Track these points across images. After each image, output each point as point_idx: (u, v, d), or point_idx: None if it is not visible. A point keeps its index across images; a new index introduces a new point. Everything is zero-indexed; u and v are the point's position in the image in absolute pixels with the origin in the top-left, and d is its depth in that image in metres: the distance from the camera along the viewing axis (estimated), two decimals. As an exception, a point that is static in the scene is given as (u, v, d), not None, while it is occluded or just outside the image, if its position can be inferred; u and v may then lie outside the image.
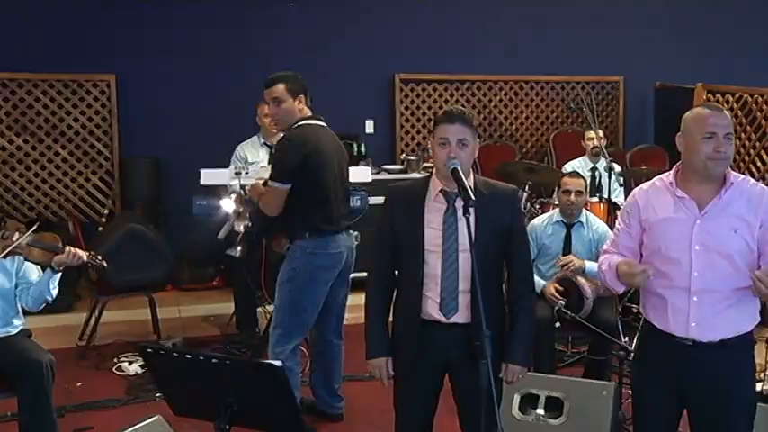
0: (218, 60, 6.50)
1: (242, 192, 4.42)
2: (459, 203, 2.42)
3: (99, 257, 3.46)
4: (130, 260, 4.81)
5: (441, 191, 2.55)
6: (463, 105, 7.19)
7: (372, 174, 5.04)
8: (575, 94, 7.38)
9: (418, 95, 7.10)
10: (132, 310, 5.29)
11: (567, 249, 4.25)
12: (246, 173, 4.39)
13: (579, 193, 4.26)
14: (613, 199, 5.36)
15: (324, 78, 6.36)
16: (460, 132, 2.48)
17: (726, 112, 2.45)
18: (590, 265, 4.07)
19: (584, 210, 4.36)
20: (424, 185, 2.60)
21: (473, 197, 2.34)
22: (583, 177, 4.44)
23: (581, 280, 4.00)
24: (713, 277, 2.37)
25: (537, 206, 5.44)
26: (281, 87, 3.36)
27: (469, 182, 2.51)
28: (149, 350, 2.18)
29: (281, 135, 3.49)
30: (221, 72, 6.46)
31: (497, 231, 2.53)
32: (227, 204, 3.16)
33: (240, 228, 3.26)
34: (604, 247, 2.70)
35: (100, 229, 6.01)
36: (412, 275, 2.54)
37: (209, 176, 4.53)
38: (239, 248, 3.29)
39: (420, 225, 2.53)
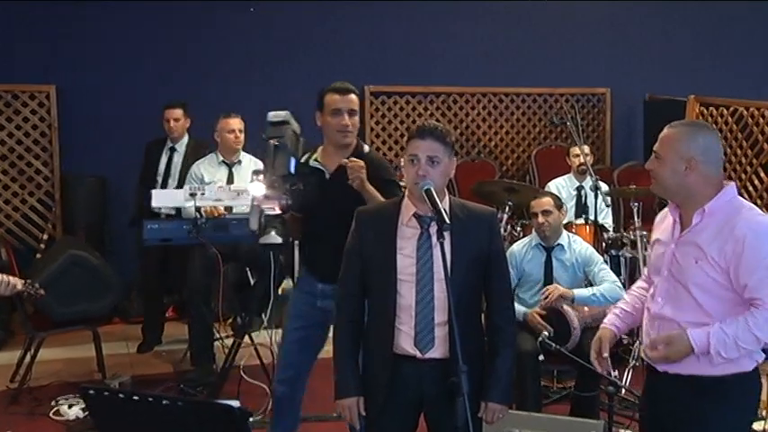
0: (171, 70, 6.51)
1: (198, 215, 4.46)
2: (434, 228, 2.45)
3: (36, 287, 3.42)
4: (72, 290, 4.77)
5: (414, 214, 2.57)
6: (438, 119, 7.52)
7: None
8: (558, 108, 7.50)
9: (390, 109, 7.17)
10: (73, 346, 5.22)
11: (548, 275, 4.32)
12: (203, 194, 4.48)
13: (547, 212, 4.34)
14: (600, 220, 5.43)
15: (286, 90, 6.39)
16: (432, 149, 2.52)
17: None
18: (578, 293, 4.13)
19: (564, 231, 4.45)
20: (396, 208, 2.63)
21: (448, 220, 2.37)
22: (552, 195, 4.54)
23: (567, 309, 4.05)
24: (673, 306, 2.42)
25: (518, 229, 5.51)
26: (356, 97, 3.38)
27: (444, 204, 2.54)
28: (92, 391, 2.16)
29: (352, 147, 3.35)
30: (174, 84, 6.47)
31: (475, 258, 2.56)
32: (257, 188, 3.13)
33: (275, 208, 3.13)
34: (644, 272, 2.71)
35: (38, 255, 5.96)
36: (383, 306, 2.56)
37: (160, 198, 4.58)
38: (274, 232, 3.16)
39: (392, 252, 2.55)
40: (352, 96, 3.30)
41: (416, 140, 2.54)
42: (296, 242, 3.91)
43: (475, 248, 2.56)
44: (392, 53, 7.06)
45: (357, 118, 3.32)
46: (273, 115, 3.17)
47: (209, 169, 5.19)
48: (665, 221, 2.57)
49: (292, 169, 3.13)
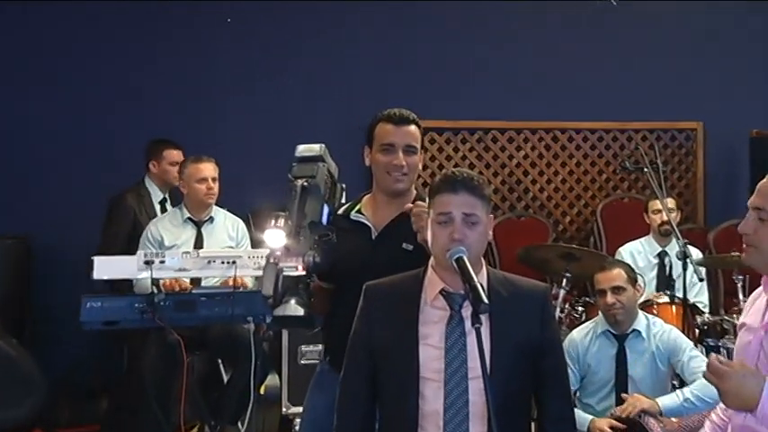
0: (115, 98, 6.60)
1: (155, 290, 4.53)
2: (469, 310, 2.51)
3: None
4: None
5: (441, 291, 2.65)
6: (472, 164, 7.46)
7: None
8: (632, 148, 7.50)
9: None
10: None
11: (621, 372, 4.38)
12: (162, 261, 4.55)
13: (618, 289, 4.41)
14: (692, 299, 5.46)
15: (273, 130, 6.56)
16: (468, 205, 2.61)
17: None
18: (666, 403, 4.14)
19: (641, 313, 4.51)
20: (417, 284, 2.69)
21: (486, 299, 2.43)
22: (625, 265, 4.61)
23: (650, 421, 4.11)
24: None
25: (579, 310, 5.57)
26: (416, 130, 3.34)
27: (481, 277, 2.62)
28: None
29: (411, 197, 3.34)
30: (120, 115, 6.56)
31: (522, 349, 2.62)
32: (274, 238, 2.93)
33: (298, 267, 2.92)
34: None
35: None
36: (400, 414, 2.62)
37: (104, 267, 4.57)
38: (295, 302, 2.93)
39: (412, 341, 2.62)
40: (411, 128, 3.30)
41: (447, 195, 2.62)
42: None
43: (522, 336, 2.62)
44: (415, 81, 7.12)
45: (418, 157, 3.31)
46: (304, 149, 3.14)
47: (170, 229, 5.25)
48: (756, 302, 2.65)
49: (325, 220, 3.06)
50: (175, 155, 5.77)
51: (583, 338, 4.50)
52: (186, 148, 5.79)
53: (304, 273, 2.90)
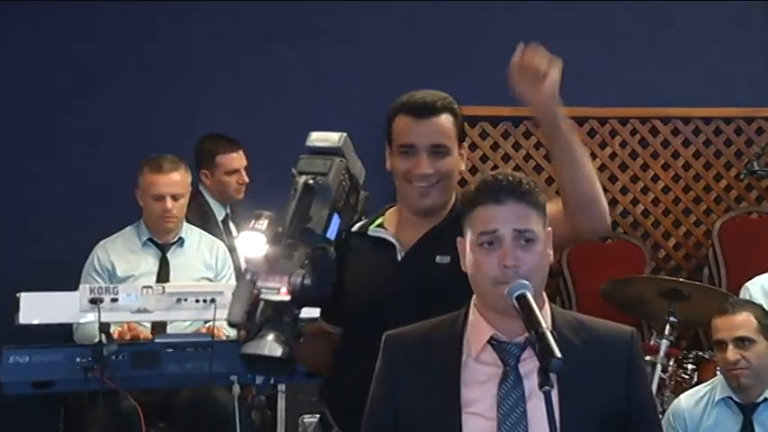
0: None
1: (104, 339, 4.49)
2: (529, 365, 2.56)
3: None
4: None
5: (490, 340, 2.64)
6: (539, 167, 7.45)
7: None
8: (764, 145, 7.44)
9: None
10: None
11: None
12: (114, 299, 4.51)
13: (745, 341, 4.33)
14: None
15: (269, 116, 6.65)
16: (519, 217, 2.62)
17: None
18: None
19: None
20: (456, 331, 2.71)
21: (558, 353, 2.42)
22: (755, 307, 4.53)
23: None
24: None
25: (688, 368, 5.50)
26: (447, 120, 3.30)
27: (545, 319, 2.61)
28: None
29: (444, 212, 3.32)
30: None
31: (602, 418, 2.61)
32: (252, 243, 2.84)
33: (281, 290, 2.82)
34: None
35: None
36: None
37: (35, 307, 4.56)
38: (273, 338, 2.76)
39: (453, 410, 2.62)
40: (441, 120, 3.29)
41: (489, 207, 2.64)
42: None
43: (601, 400, 2.62)
44: (464, 59, 7.20)
45: (453, 159, 3.30)
46: (318, 138, 3.10)
47: (124, 255, 5.30)
48: None
49: (333, 233, 3.01)
50: (234, 160, 5.96)
51: (694, 407, 4.47)
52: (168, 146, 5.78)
53: (288, 299, 2.79)
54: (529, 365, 2.57)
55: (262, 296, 2.78)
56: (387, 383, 2.74)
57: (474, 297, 2.72)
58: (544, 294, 2.69)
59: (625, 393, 2.66)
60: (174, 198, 5.28)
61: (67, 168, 6.58)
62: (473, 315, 2.70)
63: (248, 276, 2.81)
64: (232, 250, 5.53)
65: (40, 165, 6.57)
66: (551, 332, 2.47)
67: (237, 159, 5.93)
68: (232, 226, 5.94)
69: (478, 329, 2.67)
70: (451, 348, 2.68)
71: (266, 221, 2.89)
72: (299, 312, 2.89)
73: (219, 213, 5.98)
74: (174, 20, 6.91)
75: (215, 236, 5.68)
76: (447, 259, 3.10)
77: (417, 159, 3.21)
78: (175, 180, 5.31)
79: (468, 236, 2.67)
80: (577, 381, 2.58)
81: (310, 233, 2.89)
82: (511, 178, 2.66)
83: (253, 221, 2.89)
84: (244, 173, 5.90)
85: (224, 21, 7.03)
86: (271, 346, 2.74)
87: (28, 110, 6.66)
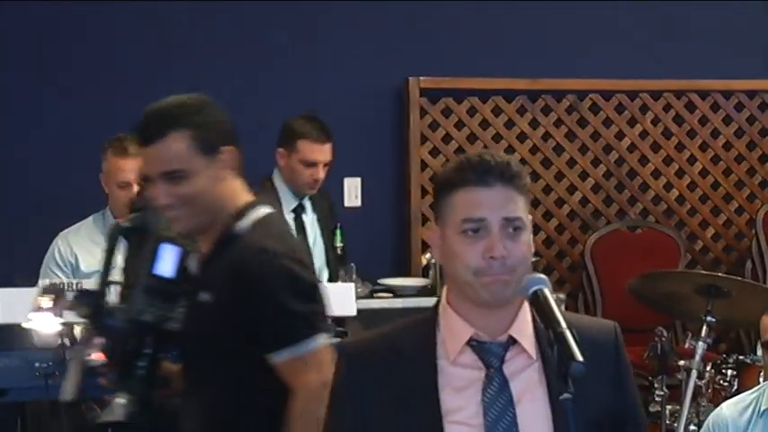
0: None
1: (66, 341, 4.53)
2: (514, 365, 2.62)
3: None
4: None
5: (470, 341, 2.67)
6: (559, 147, 7.55)
7: (359, 297, 5.23)
8: None
9: (460, 124, 7.33)
10: None
11: None
12: (78, 292, 4.47)
13: None
14: None
15: (254, 102, 6.71)
16: (508, 204, 2.63)
17: None
18: None
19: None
20: (427, 333, 2.73)
21: (580, 356, 2.45)
22: None
23: None
24: None
25: (728, 373, 5.50)
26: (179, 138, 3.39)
27: (523, 316, 2.69)
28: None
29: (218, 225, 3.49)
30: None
31: (593, 418, 2.64)
32: (38, 320, 3.11)
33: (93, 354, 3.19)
34: None
35: None
36: None
37: None
38: (117, 402, 3.16)
39: (433, 421, 2.64)
40: (167, 142, 3.37)
41: (475, 190, 2.64)
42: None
43: (592, 401, 2.63)
44: (463, 26, 7.29)
45: (194, 182, 3.38)
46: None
47: (88, 247, 5.30)
48: None
49: (169, 266, 3.27)
50: (315, 152, 5.89)
51: (738, 417, 4.39)
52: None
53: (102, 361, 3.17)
54: (514, 365, 2.62)
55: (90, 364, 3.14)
56: (350, 401, 2.71)
57: (444, 295, 2.73)
58: None
59: (614, 392, 2.70)
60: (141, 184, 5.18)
61: (24, 149, 6.64)
62: (446, 314, 2.70)
63: (72, 353, 3.12)
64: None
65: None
66: (572, 332, 2.48)
67: (320, 152, 5.89)
68: (307, 219, 5.96)
69: (455, 330, 2.67)
70: (424, 354, 2.67)
71: (47, 298, 3.23)
72: (155, 364, 3.19)
73: (289, 202, 5.95)
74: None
75: None
76: (207, 296, 3.28)
77: (155, 189, 3.36)
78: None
79: (446, 222, 2.66)
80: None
81: (86, 294, 3.17)
82: (499, 159, 2.65)
83: (38, 300, 3.25)
84: (322, 169, 5.86)
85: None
86: (116, 410, 3.04)
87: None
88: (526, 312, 2.68)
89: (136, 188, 5.21)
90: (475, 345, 2.65)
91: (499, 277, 2.58)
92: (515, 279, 2.59)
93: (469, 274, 2.59)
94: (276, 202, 5.74)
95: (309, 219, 5.95)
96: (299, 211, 5.95)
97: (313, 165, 5.85)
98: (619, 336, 2.78)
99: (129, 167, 5.23)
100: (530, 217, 2.68)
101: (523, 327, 2.66)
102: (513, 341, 2.64)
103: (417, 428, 2.63)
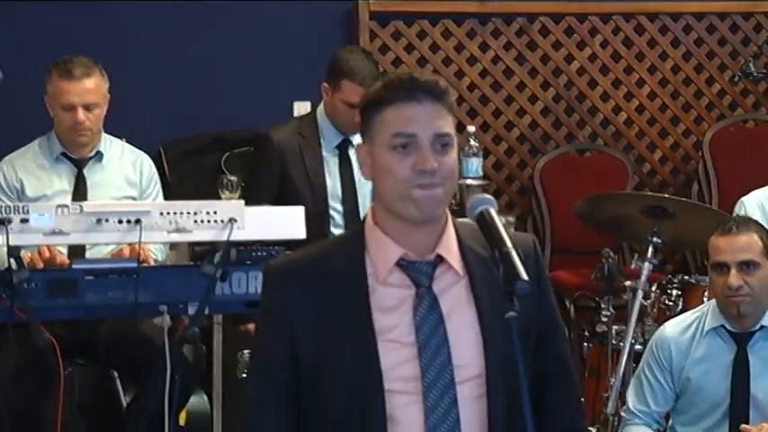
0: None
1: (13, 265, 4.48)
2: (443, 282, 2.67)
3: None
4: None
5: (399, 262, 2.69)
6: (509, 70, 7.53)
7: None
8: (761, 43, 7.40)
9: (409, 47, 7.31)
10: None
11: (740, 391, 4.37)
12: (24, 220, 4.47)
13: (749, 265, 4.34)
14: None
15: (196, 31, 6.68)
16: (438, 120, 2.65)
17: None
18: None
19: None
20: (355, 253, 2.74)
21: (524, 275, 2.47)
22: (756, 227, 4.54)
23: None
24: None
25: (673, 294, 5.56)
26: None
27: (447, 231, 2.73)
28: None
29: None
30: None
31: (519, 328, 2.62)
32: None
33: None
34: None
35: None
36: None
37: None
38: None
39: (368, 339, 2.66)
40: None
41: (406, 105, 2.65)
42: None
43: (522, 313, 2.60)
44: None
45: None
46: None
47: (34, 171, 5.27)
48: None
49: None
50: (358, 93, 5.30)
51: (680, 336, 4.50)
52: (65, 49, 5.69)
53: None
54: (442, 283, 2.66)
55: None
56: (280, 320, 2.73)
57: (370, 215, 2.76)
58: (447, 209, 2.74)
59: (536, 304, 2.73)
60: (87, 108, 5.18)
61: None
62: (374, 234, 2.72)
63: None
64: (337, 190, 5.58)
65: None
66: (518, 251, 2.52)
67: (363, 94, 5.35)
68: (353, 155, 5.53)
69: (383, 250, 2.69)
70: (354, 275, 2.70)
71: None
72: None
73: (332, 138, 5.65)
74: None
75: (318, 166, 5.56)
76: None
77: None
78: (88, 87, 5.21)
79: (375, 140, 2.68)
80: (492, 293, 2.63)
81: None
82: (427, 77, 2.69)
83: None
84: (81, 112, 5.23)
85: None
86: None
87: None
88: (451, 230, 2.73)
89: (81, 111, 5.16)
90: (404, 264, 2.68)
91: (430, 192, 2.61)
92: (444, 194, 2.64)
93: (402, 187, 2.62)
94: (313, 137, 5.65)
95: None
96: (343, 146, 5.67)
97: (356, 107, 5.34)
98: (538, 249, 2.83)
99: (73, 90, 5.17)
100: (456, 137, 2.71)
101: (450, 244, 2.70)
102: (440, 259, 2.68)
103: (351, 347, 2.65)
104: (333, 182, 5.62)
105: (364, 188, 5.53)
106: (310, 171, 5.53)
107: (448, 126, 2.65)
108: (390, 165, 2.63)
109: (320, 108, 5.73)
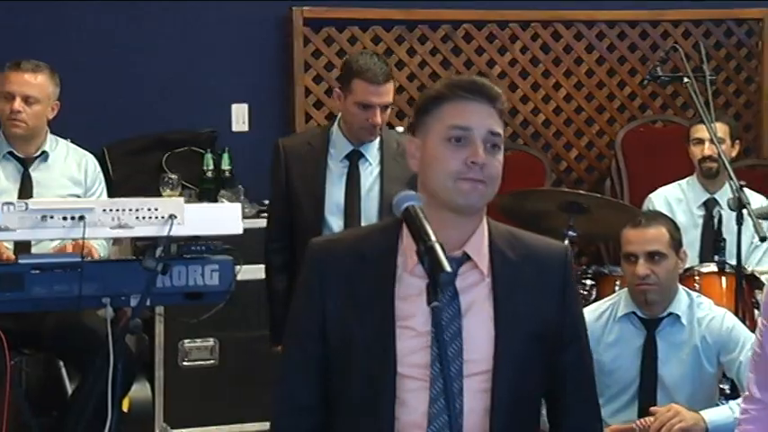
0: None
1: None
2: (468, 280, 2.71)
3: None
4: None
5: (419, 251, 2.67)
6: (435, 74, 7.46)
7: (246, 217, 5.29)
8: (668, 49, 7.23)
9: (342, 53, 7.30)
10: None
11: (648, 373, 4.49)
12: None
13: (656, 256, 4.46)
14: (750, 267, 5.56)
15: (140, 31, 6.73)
16: (491, 121, 2.74)
17: None
18: (714, 418, 4.22)
19: (681, 288, 4.59)
20: (388, 242, 2.79)
21: (448, 266, 2.47)
22: (665, 220, 4.68)
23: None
24: None
25: (587, 283, 5.66)
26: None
27: (480, 232, 2.78)
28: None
29: None
30: None
31: (535, 333, 2.75)
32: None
33: None
34: (749, 373, 3.01)
35: None
36: (369, 428, 2.74)
37: None
38: None
39: (386, 324, 2.72)
40: None
41: (464, 102, 2.73)
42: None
43: (536, 316, 2.75)
44: None
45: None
46: None
47: None
48: None
49: None
50: (371, 94, 5.08)
51: (595, 322, 4.55)
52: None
53: None
54: (466, 280, 2.72)
55: None
56: (315, 293, 2.79)
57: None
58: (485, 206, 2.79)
59: (559, 311, 2.79)
60: (26, 101, 5.21)
61: None
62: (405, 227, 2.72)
63: None
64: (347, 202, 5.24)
65: None
66: (441, 245, 2.51)
67: (376, 93, 5.04)
68: (364, 167, 5.26)
69: (408, 241, 2.71)
70: (385, 261, 2.75)
71: None
72: None
73: (342, 147, 5.26)
74: None
75: (319, 175, 5.24)
76: None
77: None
78: (30, 80, 5.24)
79: (429, 133, 2.74)
80: (513, 296, 2.72)
81: None
82: (485, 82, 2.78)
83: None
84: (379, 114, 5.04)
85: None
86: None
87: None
88: (484, 230, 2.79)
89: (18, 100, 5.18)
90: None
91: (477, 185, 2.68)
92: (488, 191, 2.71)
93: (450, 179, 2.68)
94: (322, 146, 5.32)
95: (369, 167, 5.31)
96: (354, 158, 5.30)
97: (369, 107, 5.07)
98: (569, 257, 2.89)
99: (15, 79, 5.23)
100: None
101: (479, 244, 2.76)
102: (467, 257, 2.73)
103: (371, 330, 2.72)
104: (335, 193, 5.27)
105: (370, 203, 5.27)
106: (310, 180, 5.26)
107: (500, 128, 2.73)
108: (443, 156, 2.69)
109: (338, 119, 5.39)
